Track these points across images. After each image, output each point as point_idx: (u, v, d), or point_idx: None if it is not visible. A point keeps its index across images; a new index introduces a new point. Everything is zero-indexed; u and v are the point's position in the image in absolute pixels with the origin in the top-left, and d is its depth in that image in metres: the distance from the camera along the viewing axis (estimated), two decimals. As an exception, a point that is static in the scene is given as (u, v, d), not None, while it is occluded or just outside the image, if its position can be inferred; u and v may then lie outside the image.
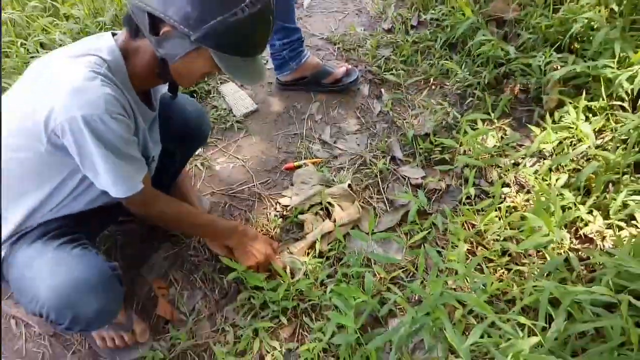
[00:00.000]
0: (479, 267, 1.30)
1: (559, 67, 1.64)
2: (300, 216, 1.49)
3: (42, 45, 1.80)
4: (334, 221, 1.45)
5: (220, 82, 1.90)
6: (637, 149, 1.39)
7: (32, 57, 1.73)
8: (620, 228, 1.31)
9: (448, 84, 1.81)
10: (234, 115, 1.79)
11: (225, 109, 1.82)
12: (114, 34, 1.01)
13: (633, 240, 1.20)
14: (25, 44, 1.76)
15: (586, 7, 1.71)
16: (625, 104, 1.47)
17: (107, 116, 0.88)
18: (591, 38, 1.63)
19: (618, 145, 1.40)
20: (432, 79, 1.83)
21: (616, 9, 1.66)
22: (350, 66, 1.83)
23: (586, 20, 1.66)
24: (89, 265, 0.99)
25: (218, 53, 0.92)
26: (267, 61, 1.98)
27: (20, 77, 0.98)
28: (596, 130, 1.48)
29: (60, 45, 1.75)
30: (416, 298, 1.31)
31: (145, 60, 0.98)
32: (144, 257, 1.42)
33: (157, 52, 0.94)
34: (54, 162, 0.96)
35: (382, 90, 1.85)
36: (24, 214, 1.01)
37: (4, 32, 1.82)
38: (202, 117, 1.37)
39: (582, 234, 1.35)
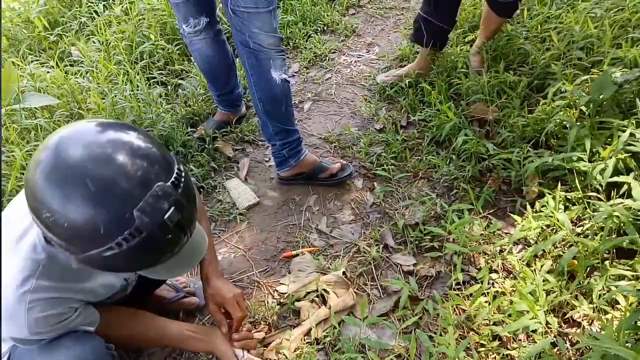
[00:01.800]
0: (470, 352, 1.33)
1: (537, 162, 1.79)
2: (296, 303, 1.54)
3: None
4: (329, 308, 1.51)
5: (226, 178, 2.05)
6: (614, 236, 1.47)
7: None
8: (606, 312, 1.35)
9: (435, 177, 1.94)
10: (237, 208, 1.92)
11: (229, 202, 1.95)
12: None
13: (615, 323, 1.24)
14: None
15: (558, 108, 1.90)
16: (601, 195, 1.57)
17: (33, 337, 0.98)
18: (565, 135, 1.79)
19: (596, 232, 1.49)
20: (420, 173, 1.97)
21: (585, 109, 1.84)
22: (345, 162, 1.99)
23: (559, 120, 1.84)
24: (84, 343, 1.04)
25: None
26: (269, 158, 2.15)
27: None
28: (574, 218, 1.58)
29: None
30: (410, 385, 1.32)
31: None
32: (144, 345, 1.45)
33: None
34: None
35: (375, 183, 1.98)
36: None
37: (33, 137, 2.02)
38: None
39: (570, 319, 1.39)
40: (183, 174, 0.86)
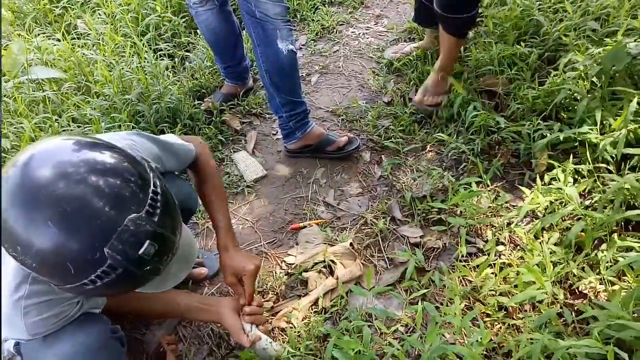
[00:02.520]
0: (476, 322, 1.34)
1: (547, 135, 1.77)
2: (304, 274, 1.56)
3: (74, 120, 1.99)
4: (337, 278, 1.52)
5: (234, 151, 2.06)
6: (623, 208, 1.46)
7: (63, 130, 1.92)
8: (613, 283, 1.36)
9: (444, 150, 1.93)
10: (245, 181, 1.92)
11: (237, 175, 1.95)
12: None
13: (623, 293, 1.25)
14: (58, 120, 1.95)
15: (569, 80, 1.86)
16: (611, 167, 1.56)
17: (35, 337, 0.97)
18: (575, 107, 1.76)
19: (605, 205, 1.48)
20: (428, 146, 1.96)
21: (596, 81, 1.81)
22: (352, 135, 1.98)
23: (569, 92, 1.81)
24: (89, 329, 1.04)
25: None
26: (276, 131, 2.14)
27: None
28: (584, 191, 1.57)
29: (91, 120, 1.94)
30: (416, 353, 1.34)
31: None
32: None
33: None
34: None
35: (382, 156, 1.98)
36: None
37: (41, 109, 2.03)
38: (186, 196, 1.37)
39: (576, 290, 1.40)
40: (159, 196, 0.80)
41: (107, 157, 0.79)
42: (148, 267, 0.79)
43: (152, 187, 0.80)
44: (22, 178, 0.74)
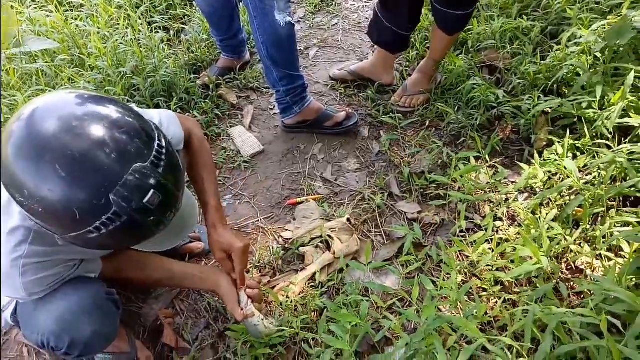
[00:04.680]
0: (472, 296, 1.34)
1: (548, 110, 1.75)
2: (301, 249, 1.56)
3: (67, 93, 1.96)
4: (334, 253, 1.52)
5: (230, 126, 2.03)
6: (618, 183, 1.46)
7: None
8: (610, 259, 1.36)
9: (443, 125, 1.91)
10: (242, 156, 1.91)
11: (233, 150, 1.94)
12: None
13: (618, 268, 1.25)
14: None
15: (571, 55, 1.83)
16: (610, 143, 1.54)
17: (32, 297, 0.98)
18: (578, 83, 1.74)
19: (602, 180, 1.47)
20: (427, 121, 1.94)
21: (599, 56, 1.78)
22: (350, 110, 1.95)
23: (571, 67, 1.78)
24: (83, 290, 1.05)
25: None
26: (274, 106, 2.12)
27: None
28: (582, 166, 1.56)
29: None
30: (412, 326, 1.35)
31: None
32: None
33: None
34: None
35: (381, 132, 1.96)
36: None
37: (34, 82, 1.99)
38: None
39: (572, 265, 1.40)
40: (164, 150, 0.82)
41: (112, 111, 0.80)
42: (152, 218, 0.80)
43: (157, 140, 0.82)
44: (28, 130, 0.75)
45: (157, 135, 0.83)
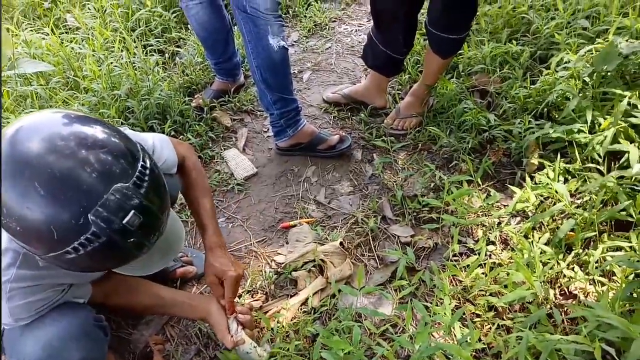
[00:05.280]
0: (465, 322, 1.34)
1: (538, 132, 1.76)
2: (294, 273, 1.55)
3: (61, 115, 1.96)
4: (327, 278, 1.51)
5: (224, 148, 2.04)
6: (609, 207, 1.46)
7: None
8: (603, 284, 1.36)
9: (435, 148, 1.93)
10: (235, 179, 1.90)
11: (227, 172, 1.94)
12: None
13: (611, 295, 1.25)
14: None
15: (561, 79, 1.86)
16: (601, 167, 1.56)
17: (18, 323, 0.98)
18: (567, 107, 1.76)
19: (594, 204, 1.48)
20: (420, 145, 1.96)
21: (588, 80, 1.81)
22: (343, 134, 1.96)
23: (561, 91, 1.81)
24: (71, 315, 1.04)
25: None
26: (267, 129, 2.13)
27: None
28: (573, 190, 1.57)
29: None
30: (405, 353, 1.34)
31: None
32: (143, 312, 1.47)
33: None
34: None
35: (374, 155, 1.97)
36: None
37: (29, 104, 1.99)
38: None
39: (566, 290, 1.40)
40: (148, 171, 0.81)
41: (96, 131, 0.80)
42: (132, 240, 0.79)
43: (141, 161, 0.81)
44: (10, 148, 0.74)
45: (141, 156, 0.83)
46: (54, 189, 0.73)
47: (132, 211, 0.77)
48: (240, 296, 1.48)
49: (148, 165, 0.82)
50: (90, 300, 1.12)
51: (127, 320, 1.45)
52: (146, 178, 0.80)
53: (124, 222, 0.76)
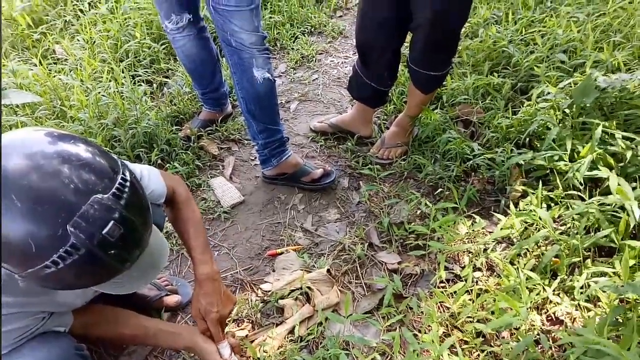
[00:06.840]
0: (454, 349, 1.32)
1: (521, 162, 1.80)
2: (280, 301, 1.53)
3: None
4: (314, 306, 1.50)
5: (211, 176, 2.04)
6: (592, 234, 1.49)
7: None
8: (588, 309, 1.36)
9: (420, 176, 1.95)
10: (222, 207, 1.90)
11: (213, 200, 1.93)
12: None
13: (597, 320, 1.25)
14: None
15: (541, 110, 1.92)
16: (583, 194, 1.59)
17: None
18: (548, 136, 1.81)
19: (577, 231, 1.50)
20: (406, 173, 1.98)
21: (567, 111, 1.86)
22: (329, 168, 1.97)
23: (542, 122, 1.86)
24: (52, 344, 1.00)
25: None
26: (255, 157, 2.14)
27: None
28: (556, 217, 1.59)
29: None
30: (393, 382, 1.31)
31: None
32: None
33: None
34: None
35: (361, 182, 1.98)
36: None
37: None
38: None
39: (553, 316, 1.40)
40: (128, 183, 0.81)
41: (75, 145, 0.79)
42: (112, 252, 0.77)
43: (121, 174, 0.81)
44: None
45: (122, 169, 0.82)
46: (30, 200, 0.72)
47: (112, 222, 0.76)
48: (226, 325, 1.46)
49: (128, 178, 0.82)
50: (70, 331, 1.09)
51: (109, 351, 1.41)
52: (126, 190, 0.80)
53: (103, 232, 0.75)
